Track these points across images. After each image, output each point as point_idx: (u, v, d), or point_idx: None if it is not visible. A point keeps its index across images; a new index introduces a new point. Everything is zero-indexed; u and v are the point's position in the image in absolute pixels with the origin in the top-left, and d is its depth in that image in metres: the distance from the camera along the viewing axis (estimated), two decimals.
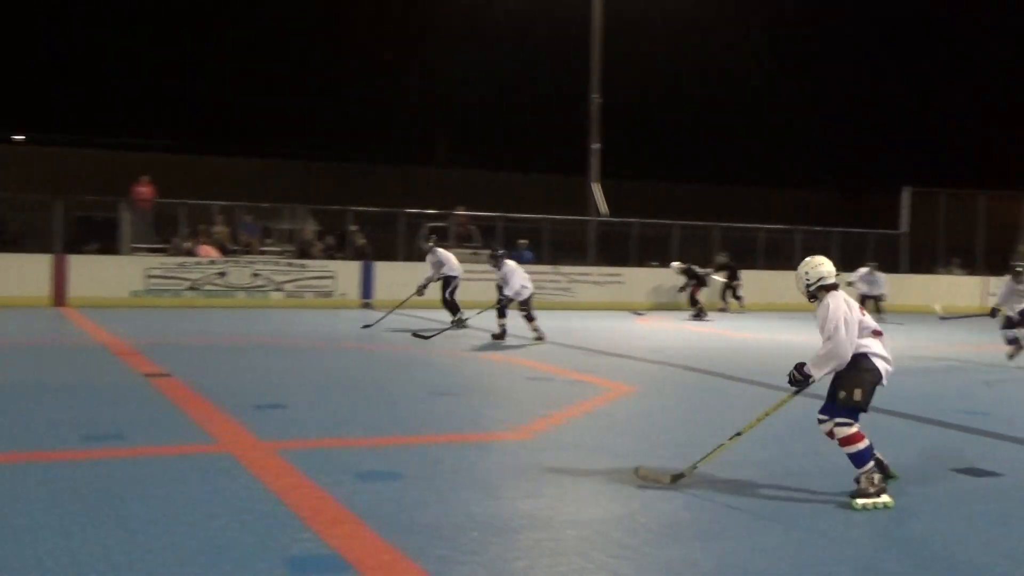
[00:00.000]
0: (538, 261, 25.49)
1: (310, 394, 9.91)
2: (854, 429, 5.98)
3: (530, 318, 15.62)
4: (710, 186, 43.42)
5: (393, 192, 32.49)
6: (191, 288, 21.46)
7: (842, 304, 6.07)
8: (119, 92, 41.96)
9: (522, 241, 26.06)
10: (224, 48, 42.38)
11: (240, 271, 21.95)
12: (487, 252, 25.43)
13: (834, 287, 6.21)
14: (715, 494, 6.10)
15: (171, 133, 38.69)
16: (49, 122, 38.25)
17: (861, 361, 6.05)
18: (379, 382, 11.14)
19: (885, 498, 5.89)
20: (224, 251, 22.74)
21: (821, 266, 6.25)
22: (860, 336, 6.08)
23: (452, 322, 16.94)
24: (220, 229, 23.54)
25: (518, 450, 7.40)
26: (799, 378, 6.14)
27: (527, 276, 15.99)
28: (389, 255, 23.66)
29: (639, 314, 22.73)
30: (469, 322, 16.96)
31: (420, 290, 17.43)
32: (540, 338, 15.37)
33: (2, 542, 4.83)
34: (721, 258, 25.08)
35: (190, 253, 22.32)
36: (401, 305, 17.92)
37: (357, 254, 23.79)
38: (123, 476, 6.20)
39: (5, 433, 7.51)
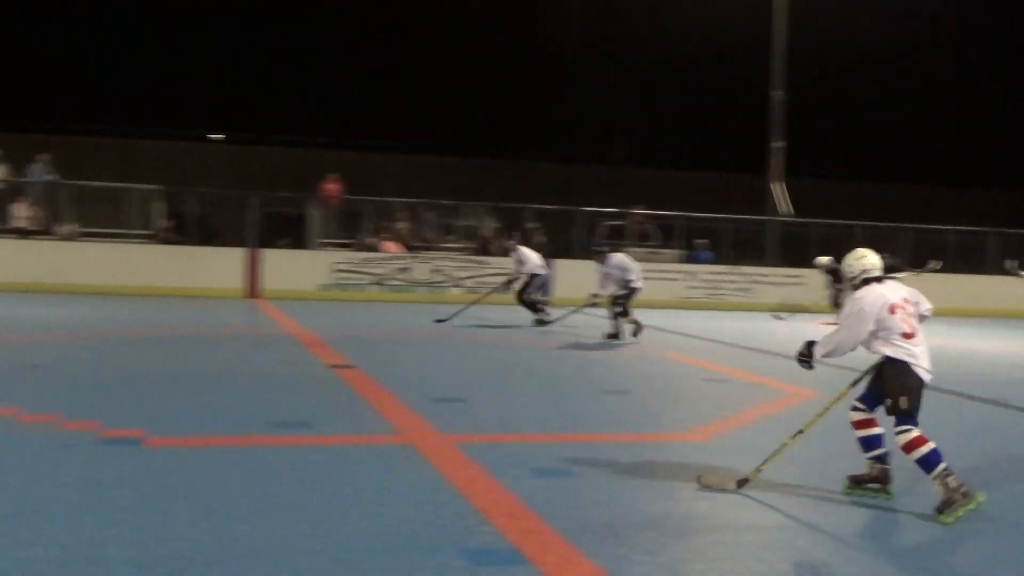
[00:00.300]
0: (717, 261, 25.18)
1: (487, 389, 10.05)
2: (915, 433, 5.73)
3: (624, 313, 15.00)
4: (898, 185, 41.81)
5: (571, 191, 32.55)
6: (375, 283, 22.11)
7: (868, 298, 5.91)
8: (310, 93, 43.57)
9: (701, 241, 25.77)
10: (411, 51, 43.49)
11: (421, 267, 22.47)
12: (671, 251, 25.43)
13: (878, 280, 6.01)
14: (904, 503, 5.90)
15: (358, 132, 39.95)
16: (246, 122, 40.07)
17: (898, 365, 5.84)
18: (553, 379, 11.21)
19: (979, 496, 5.61)
20: (407, 247, 23.31)
21: (864, 259, 6.14)
22: (879, 337, 5.87)
23: (536, 320, 16.92)
24: (403, 226, 24.15)
25: (695, 452, 7.32)
26: (804, 354, 6.14)
27: (637, 271, 15.18)
28: (567, 253, 23.74)
29: (780, 317, 21.82)
30: (552, 324, 16.76)
31: (504, 286, 17.64)
32: (637, 331, 14.80)
33: (196, 523, 5.05)
34: (884, 259, 23.87)
35: (374, 249, 22.98)
36: (478, 301, 18.17)
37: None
38: (309, 463, 6.41)
39: (200, 418, 7.88)
